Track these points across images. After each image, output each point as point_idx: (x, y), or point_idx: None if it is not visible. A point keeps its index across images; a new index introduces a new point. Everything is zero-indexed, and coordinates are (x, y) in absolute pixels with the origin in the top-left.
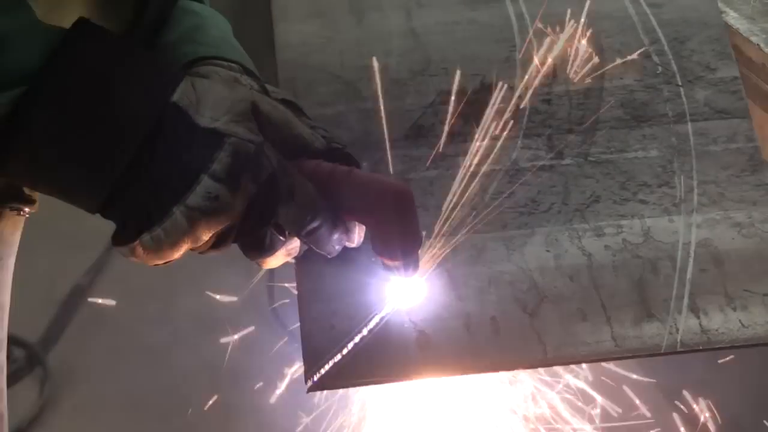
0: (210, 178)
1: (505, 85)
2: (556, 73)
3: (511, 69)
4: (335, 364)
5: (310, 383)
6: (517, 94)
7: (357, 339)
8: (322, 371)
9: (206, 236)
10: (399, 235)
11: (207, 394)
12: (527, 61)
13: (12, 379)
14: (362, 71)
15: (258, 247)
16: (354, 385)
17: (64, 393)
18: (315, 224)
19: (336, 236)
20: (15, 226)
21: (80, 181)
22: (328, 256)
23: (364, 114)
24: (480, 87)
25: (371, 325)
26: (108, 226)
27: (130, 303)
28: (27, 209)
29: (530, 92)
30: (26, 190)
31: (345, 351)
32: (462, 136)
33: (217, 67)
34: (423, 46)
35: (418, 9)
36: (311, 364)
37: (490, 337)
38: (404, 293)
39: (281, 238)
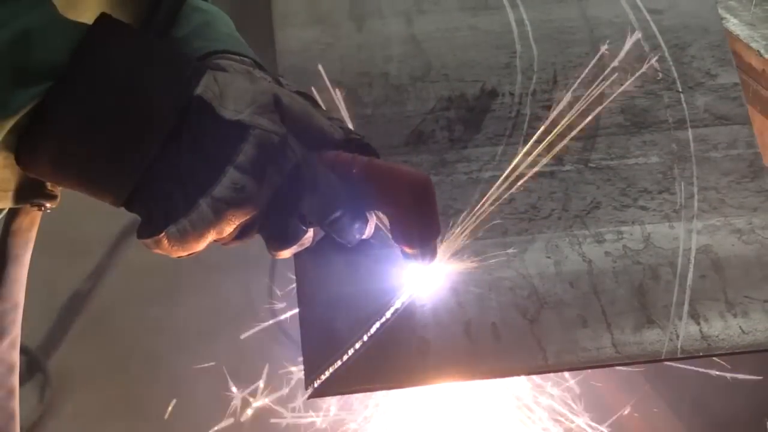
0: (236, 170)
1: (506, 91)
2: (557, 79)
3: (512, 75)
4: (335, 370)
5: (310, 390)
6: (517, 100)
7: (357, 345)
8: (322, 378)
9: (231, 227)
10: (417, 223)
11: (209, 399)
12: (527, 67)
13: None
14: (363, 77)
15: (281, 237)
16: (354, 392)
17: (64, 399)
18: (337, 214)
19: (357, 225)
20: (33, 222)
21: (107, 175)
22: (348, 246)
23: (365, 120)
24: (480, 93)
25: (372, 330)
26: (107, 233)
27: (131, 309)
28: (48, 205)
29: (530, 98)
30: (48, 185)
31: (345, 357)
32: (462, 142)
33: (230, 61)
34: (423, 52)
35: (419, 15)
36: (311, 370)
37: (491, 343)
38: (418, 283)
39: (303, 228)
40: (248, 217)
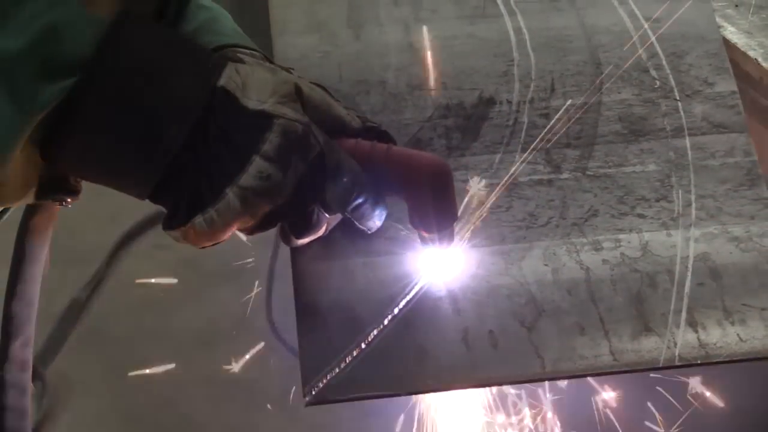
0: (261, 158)
1: (503, 99)
2: (554, 87)
3: (509, 83)
4: (333, 377)
5: (308, 397)
6: (514, 108)
7: (355, 352)
8: (320, 385)
9: (258, 216)
10: (435, 209)
11: (205, 408)
12: (525, 75)
13: None
14: (360, 85)
15: (303, 225)
16: (352, 399)
17: (62, 407)
18: (360, 200)
19: (377, 211)
20: (50, 219)
21: (133, 166)
22: (368, 232)
23: None
24: (478, 101)
25: (370, 338)
26: (105, 242)
27: (129, 317)
28: (70, 200)
29: (528, 106)
30: (71, 180)
31: (343, 365)
32: (460, 150)
33: (242, 55)
34: (421, 60)
35: (417, 23)
36: (309, 378)
37: (488, 350)
38: (417, 289)
39: (326, 215)
40: (274, 205)
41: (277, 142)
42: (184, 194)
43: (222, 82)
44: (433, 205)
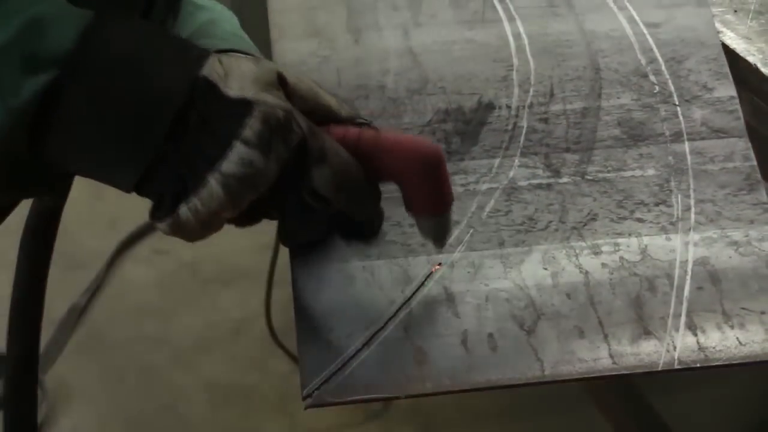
0: (243, 144)
1: (503, 104)
2: (554, 92)
3: (508, 88)
4: (333, 380)
5: (308, 401)
6: (514, 112)
7: (354, 355)
8: (320, 388)
9: (242, 205)
10: (429, 192)
11: (205, 413)
12: (524, 80)
13: None
14: (360, 90)
15: (295, 216)
16: (352, 402)
17: (61, 413)
18: (350, 185)
19: (371, 200)
20: (54, 223)
21: (118, 158)
22: (366, 238)
23: None
24: (477, 106)
25: (369, 340)
26: (104, 247)
27: (128, 322)
28: (61, 194)
29: (527, 111)
30: (60, 173)
31: (342, 368)
32: (459, 154)
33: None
34: (420, 65)
35: (416, 28)
36: (308, 381)
37: (488, 354)
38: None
39: (317, 205)
40: (258, 193)
41: (257, 128)
42: (167, 185)
43: (204, 72)
44: (427, 188)
